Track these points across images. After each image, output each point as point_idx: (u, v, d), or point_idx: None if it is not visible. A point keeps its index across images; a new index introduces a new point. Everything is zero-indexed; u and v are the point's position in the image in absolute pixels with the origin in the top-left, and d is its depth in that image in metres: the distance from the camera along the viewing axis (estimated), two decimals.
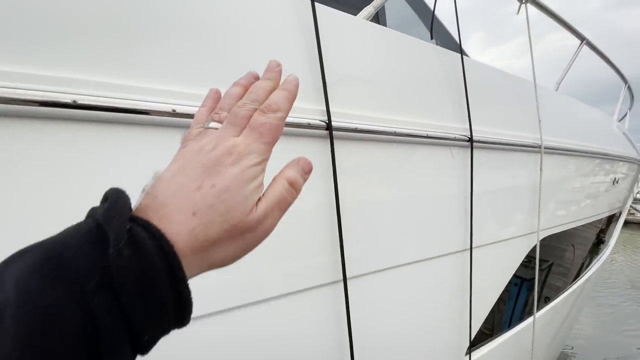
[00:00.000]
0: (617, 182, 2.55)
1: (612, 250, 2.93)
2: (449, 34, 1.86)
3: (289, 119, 0.74)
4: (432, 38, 1.76)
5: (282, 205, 0.29)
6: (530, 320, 1.59)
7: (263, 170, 0.28)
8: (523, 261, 1.55)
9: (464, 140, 1.13)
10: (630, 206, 3.32)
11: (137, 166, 0.58)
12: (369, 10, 1.00)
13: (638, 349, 3.62)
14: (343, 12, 0.87)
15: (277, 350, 0.79)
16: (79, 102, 0.52)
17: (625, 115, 3.18)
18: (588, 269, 2.60)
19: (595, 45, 2.17)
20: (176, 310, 0.24)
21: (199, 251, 0.25)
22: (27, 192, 0.52)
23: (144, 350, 0.23)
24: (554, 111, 1.74)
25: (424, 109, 1.04)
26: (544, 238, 1.62)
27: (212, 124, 0.30)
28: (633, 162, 2.79)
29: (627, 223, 3.46)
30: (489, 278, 1.37)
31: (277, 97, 0.30)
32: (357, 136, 0.86)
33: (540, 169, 1.46)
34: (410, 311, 1.08)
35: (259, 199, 0.28)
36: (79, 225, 0.23)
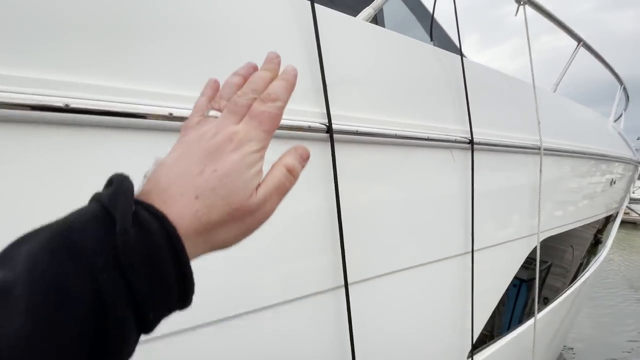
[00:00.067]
0: (614, 182, 2.56)
1: (609, 251, 2.94)
2: (447, 36, 1.86)
3: (289, 122, 0.73)
4: (431, 40, 1.75)
5: (281, 191, 0.30)
6: (531, 322, 1.59)
7: (262, 157, 0.29)
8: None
9: (464, 143, 1.12)
10: (626, 206, 3.35)
11: (132, 171, 0.56)
12: (368, 11, 0.99)
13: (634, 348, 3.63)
14: (343, 14, 0.86)
15: (279, 356, 0.78)
16: (72, 105, 0.50)
17: (621, 116, 3.20)
18: (586, 269, 2.60)
19: (591, 46, 2.18)
20: (179, 290, 0.24)
21: (201, 233, 0.26)
22: (17, 198, 0.50)
23: (149, 329, 0.24)
24: (552, 112, 1.74)
25: (425, 111, 1.04)
26: (543, 239, 1.62)
27: (212, 112, 0.31)
28: (629, 163, 2.81)
29: (622, 222, 3.48)
30: (490, 280, 1.36)
31: (276, 87, 0.31)
32: (357, 139, 0.85)
33: (540, 170, 1.46)
34: (412, 315, 1.07)
35: (259, 185, 0.29)
36: (83, 208, 0.24)
